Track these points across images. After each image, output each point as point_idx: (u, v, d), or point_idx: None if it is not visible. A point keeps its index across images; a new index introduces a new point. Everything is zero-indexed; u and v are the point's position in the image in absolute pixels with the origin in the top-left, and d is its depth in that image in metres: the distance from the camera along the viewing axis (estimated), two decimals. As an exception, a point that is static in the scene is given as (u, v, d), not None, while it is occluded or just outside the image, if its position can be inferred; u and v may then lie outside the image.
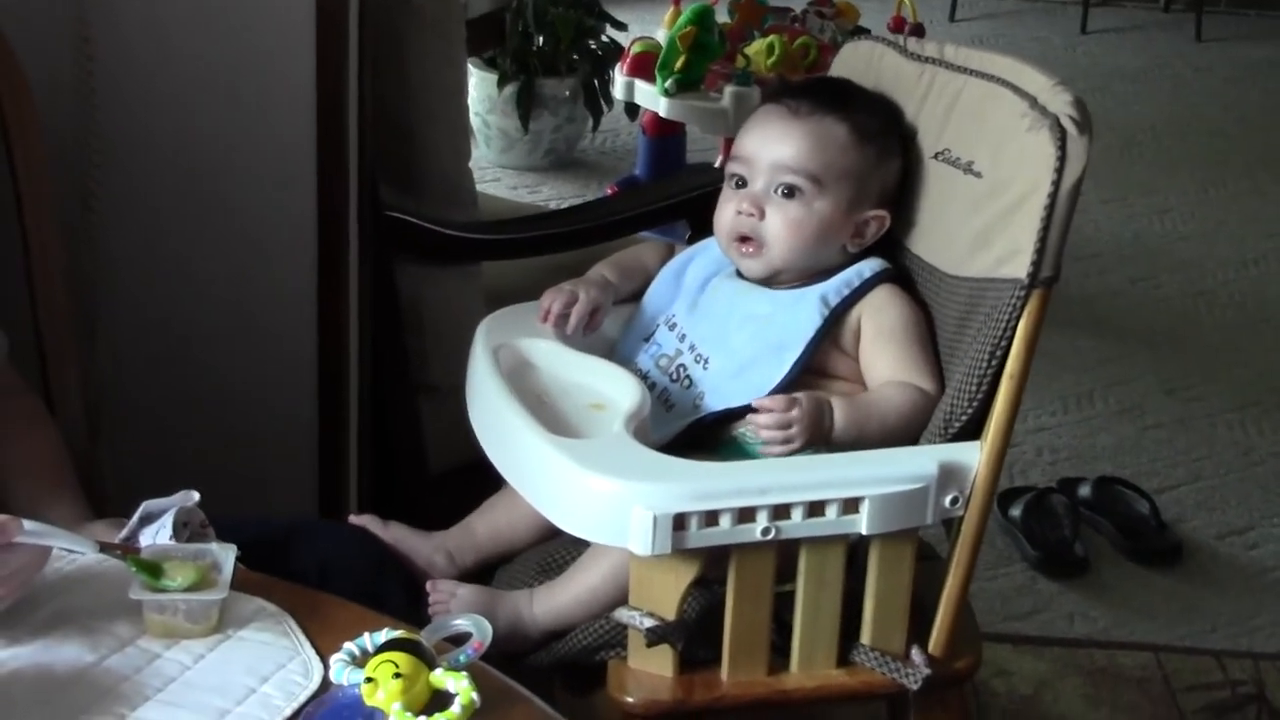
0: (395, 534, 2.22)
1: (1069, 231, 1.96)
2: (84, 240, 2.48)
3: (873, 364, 2.16)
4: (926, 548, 2.20)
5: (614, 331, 2.33)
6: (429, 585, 2.14)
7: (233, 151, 2.53)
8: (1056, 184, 1.92)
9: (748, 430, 2.12)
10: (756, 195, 2.21)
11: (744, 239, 2.21)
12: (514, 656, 2.10)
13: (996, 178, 2.03)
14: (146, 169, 2.50)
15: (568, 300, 2.28)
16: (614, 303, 2.33)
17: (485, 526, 2.25)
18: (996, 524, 3.64)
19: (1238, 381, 4.45)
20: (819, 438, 2.06)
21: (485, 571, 2.24)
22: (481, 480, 2.24)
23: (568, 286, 2.30)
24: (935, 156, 2.17)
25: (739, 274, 2.27)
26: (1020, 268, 1.95)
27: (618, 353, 2.29)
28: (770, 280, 2.23)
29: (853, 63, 2.36)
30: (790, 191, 2.18)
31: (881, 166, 2.21)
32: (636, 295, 2.35)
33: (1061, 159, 1.92)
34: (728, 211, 2.23)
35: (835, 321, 2.17)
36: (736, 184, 2.23)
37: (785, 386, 2.13)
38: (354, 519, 2.25)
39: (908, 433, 2.09)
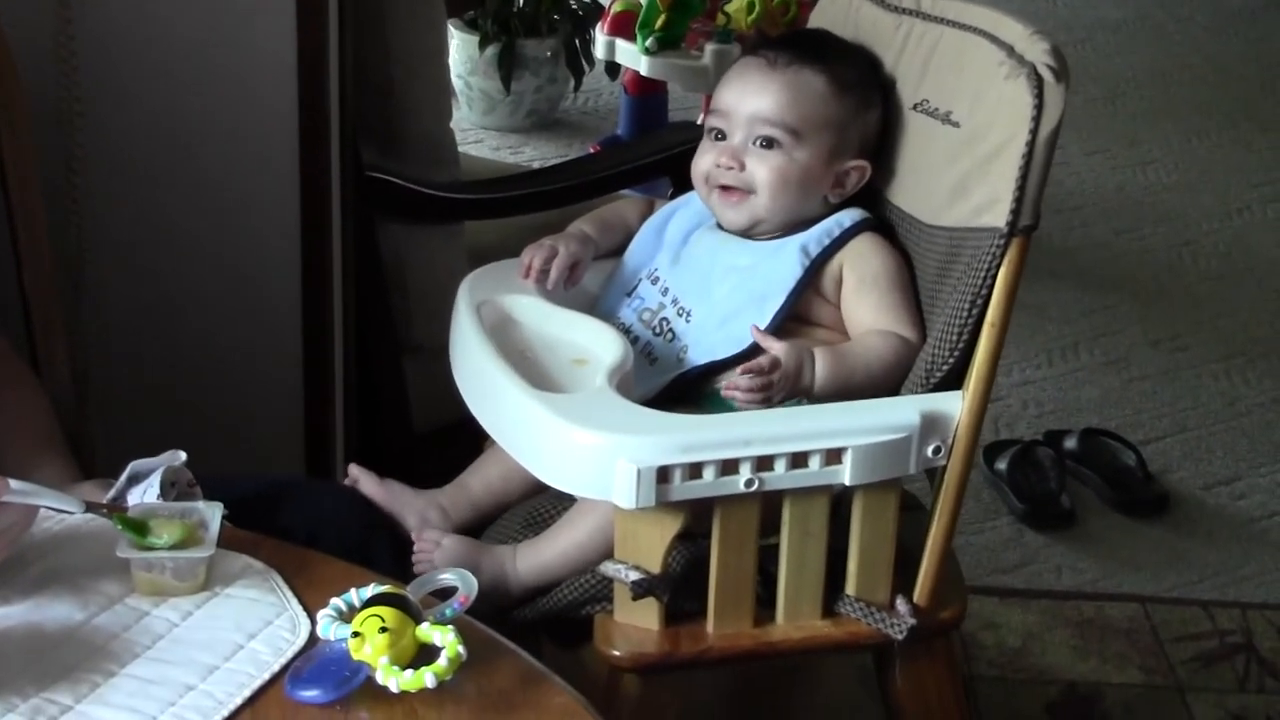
0: (391, 490, 2.22)
1: (1047, 180, 1.96)
2: (68, 205, 2.47)
3: (855, 312, 2.17)
4: (911, 498, 2.21)
5: (596, 287, 2.33)
6: (415, 534, 2.15)
7: (215, 114, 2.53)
8: (1034, 132, 1.92)
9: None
10: (735, 148, 2.21)
11: (726, 189, 2.22)
12: (497, 611, 2.11)
13: (974, 127, 2.03)
14: (129, 132, 2.50)
15: (547, 255, 2.28)
16: (595, 258, 2.34)
17: (479, 482, 2.25)
18: (983, 477, 3.65)
19: (1223, 332, 4.46)
20: (798, 392, 2.07)
21: (480, 528, 2.24)
22: (466, 439, 2.25)
23: (548, 242, 2.30)
24: (914, 107, 2.18)
25: (719, 226, 2.27)
26: (999, 216, 1.95)
27: (600, 308, 2.29)
28: (751, 231, 2.24)
29: (830, 15, 2.36)
30: (769, 143, 2.19)
31: (861, 116, 2.22)
32: (618, 251, 2.35)
33: (1039, 107, 1.92)
34: (705, 162, 2.23)
35: (816, 271, 2.17)
36: (715, 137, 2.24)
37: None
38: (352, 469, 2.25)
39: (890, 381, 2.10)
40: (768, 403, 2.04)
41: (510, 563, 2.12)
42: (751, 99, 2.20)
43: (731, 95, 2.23)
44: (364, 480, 2.23)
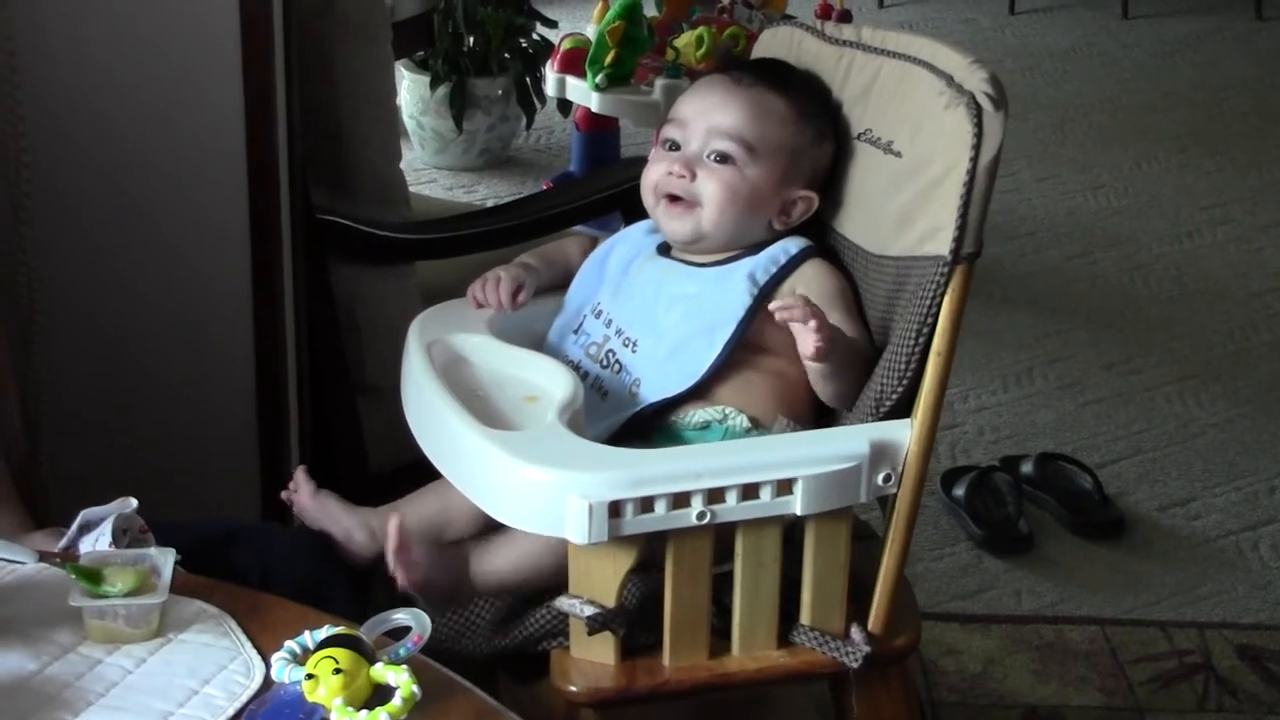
0: (322, 502, 2.21)
1: (989, 207, 1.98)
2: (17, 251, 2.47)
3: None
4: (864, 527, 2.22)
5: (544, 326, 2.33)
6: (391, 532, 2.09)
7: (163, 159, 2.53)
8: (974, 160, 1.94)
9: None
10: (689, 157, 2.22)
11: (674, 199, 2.23)
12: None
13: (916, 156, 2.05)
14: (78, 179, 2.50)
15: (510, 285, 2.31)
16: (538, 291, 2.35)
17: (414, 513, 2.19)
18: (940, 504, 3.66)
19: (1175, 354, 4.49)
20: (832, 336, 2.04)
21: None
22: (423, 479, 2.24)
23: (498, 271, 2.33)
24: (858, 137, 2.20)
25: (660, 254, 2.29)
26: (942, 245, 1.97)
27: (548, 347, 2.29)
28: (693, 245, 2.25)
29: (772, 48, 2.38)
30: (723, 158, 2.20)
31: (816, 147, 2.23)
32: (560, 286, 2.37)
33: (978, 135, 1.94)
34: (657, 170, 2.24)
35: (765, 298, 2.17)
36: (669, 147, 2.25)
37: (718, 366, 2.15)
38: (298, 474, 2.23)
39: (860, 382, 2.11)
40: (821, 331, 2.01)
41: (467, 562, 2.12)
42: (712, 112, 2.22)
43: (691, 107, 2.25)
44: (302, 488, 2.22)
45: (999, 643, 3.22)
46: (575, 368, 2.20)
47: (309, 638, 1.61)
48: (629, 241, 2.33)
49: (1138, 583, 3.46)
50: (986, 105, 1.95)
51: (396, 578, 2.09)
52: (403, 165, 3.02)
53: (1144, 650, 3.22)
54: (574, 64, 4.65)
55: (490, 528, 2.15)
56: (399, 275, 2.95)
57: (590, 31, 4.72)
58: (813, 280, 2.19)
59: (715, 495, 1.93)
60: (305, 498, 2.22)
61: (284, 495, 2.24)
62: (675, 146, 2.25)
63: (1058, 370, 4.37)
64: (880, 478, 2.00)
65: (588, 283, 2.33)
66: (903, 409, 2.03)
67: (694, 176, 2.21)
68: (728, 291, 2.19)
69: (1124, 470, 3.89)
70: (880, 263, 2.13)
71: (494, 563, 2.11)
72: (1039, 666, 3.15)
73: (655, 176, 2.25)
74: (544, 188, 5.19)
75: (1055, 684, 3.10)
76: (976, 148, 1.94)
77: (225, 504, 2.69)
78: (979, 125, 1.94)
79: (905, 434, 2.01)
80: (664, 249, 2.30)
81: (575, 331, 2.29)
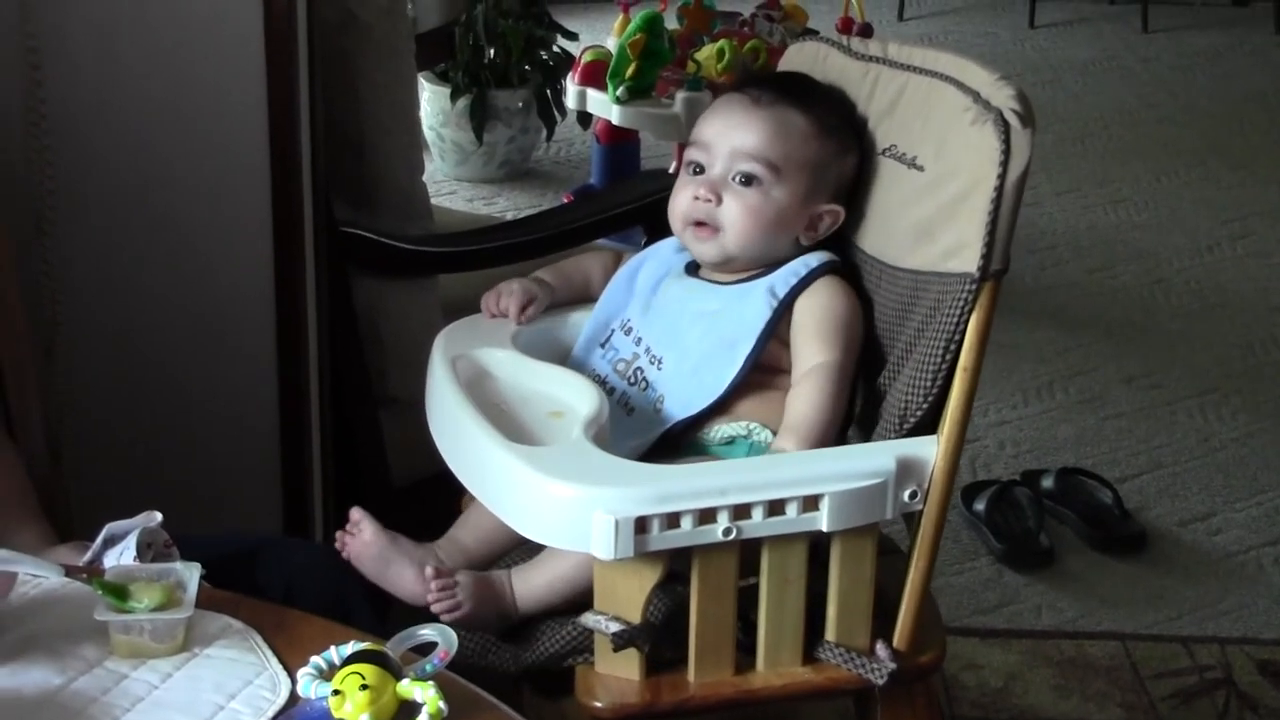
0: (394, 539, 2.19)
1: (1016, 223, 1.97)
2: (39, 264, 2.48)
3: (796, 355, 2.17)
4: (888, 542, 2.21)
5: (570, 339, 2.34)
6: (428, 573, 2.12)
7: (186, 172, 2.54)
8: (1002, 178, 1.94)
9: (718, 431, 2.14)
10: (714, 181, 2.21)
11: (700, 224, 2.22)
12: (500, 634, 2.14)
13: (939, 172, 2.04)
14: (100, 191, 2.50)
15: (521, 299, 2.31)
16: (560, 305, 2.36)
17: (470, 534, 2.23)
18: (961, 518, 3.66)
19: (1196, 368, 4.48)
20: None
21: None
22: (445, 492, 2.24)
23: (515, 284, 2.34)
24: (883, 153, 2.19)
25: (688, 272, 2.29)
26: (969, 262, 1.96)
27: (574, 360, 2.30)
28: (723, 266, 2.24)
29: (798, 63, 2.37)
30: (748, 180, 2.20)
31: (839, 160, 2.22)
32: (579, 303, 2.37)
33: (1006, 152, 1.94)
34: (684, 197, 2.24)
35: (785, 311, 2.18)
36: (694, 171, 2.25)
37: (739, 381, 2.14)
38: (354, 512, 2.21)
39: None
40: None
41: (509, 588, 2.13)
42: (734, 133, 2.21)
43: (713, 129, 2.24)
44: (365, 525, 2.19)
45: (1020, 658, 3.21)
46: (602, 382, 2.20)
47: (335, 653, 1.61)
48: (659, 257, 2.33)
49: (1158, 598, 3.45)
50: (1014, 122, 1.95)
51: (441, 615, 2.09)
52: (423, 177, 3.02)
53: (1165, 665, 3.21)
54: (595, 76, 4.65)
55: (516, 558, 2.19)
56: (421, 288, 2.95)
57: (611, 44, 4.73)
58: (815, 302, 2.18)
59: (741, 511, 1.93)
60: (370, 535, 2.18)
61: (338, 537, 2.20)
62: (700, 169, 2.24)
63: (1078, 384, 4.37)
64: (906, 494, 2.00)
65: (617, 296, 2.32)
66: (928, 425, 2.03)
67: (719, 200, 2.21)
68: (748, 306, 2.19)
69: (1144, 485, 3.88)
70: (895, 274, 2.13)
71: (531, 584, 2.12)
72: (1060, 682, 3.14)
73: (683, 205, 2.24)
74: (564, 200, 5.19)
75: (1076, 699, 3.10)
76: (1004, 164, 1.93)
77: (247, 517, 2.69)
78: (1007, 142, 1.94)
79: (931, 450, 2.00)
80: (691, 268, 2.30)
81: (603, 345, 2.29)
